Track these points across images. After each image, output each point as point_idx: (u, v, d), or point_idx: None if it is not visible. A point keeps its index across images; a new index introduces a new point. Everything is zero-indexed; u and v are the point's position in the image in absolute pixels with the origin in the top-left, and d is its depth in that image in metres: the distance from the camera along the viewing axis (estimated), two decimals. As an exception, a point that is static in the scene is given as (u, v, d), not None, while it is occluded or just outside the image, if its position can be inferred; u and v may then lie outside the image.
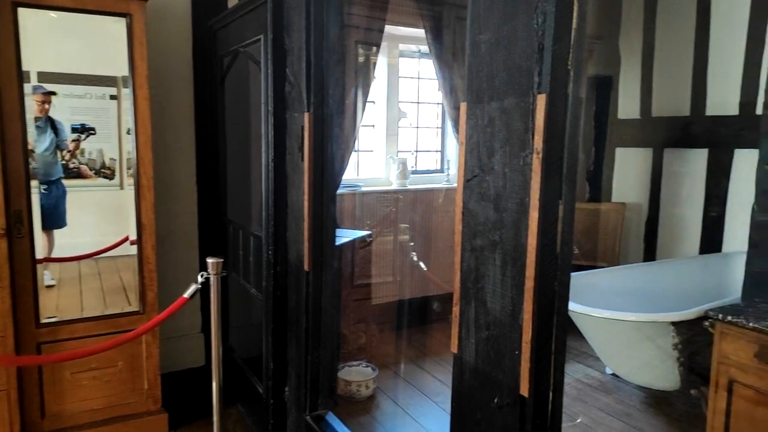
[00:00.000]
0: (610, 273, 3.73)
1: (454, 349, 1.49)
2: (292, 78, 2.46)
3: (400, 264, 4.35)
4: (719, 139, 4.28)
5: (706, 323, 2.32)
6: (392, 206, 4.27)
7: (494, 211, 1.32)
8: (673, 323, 2.78)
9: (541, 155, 1.18)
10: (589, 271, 3.64)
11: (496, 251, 1.32)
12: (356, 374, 3.33)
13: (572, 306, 3.00)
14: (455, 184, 4.88)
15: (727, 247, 4.27)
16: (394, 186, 4.44)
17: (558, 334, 1.24)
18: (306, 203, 2.38)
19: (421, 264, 4.33)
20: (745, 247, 4.16)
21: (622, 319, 2.84)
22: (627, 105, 4.96)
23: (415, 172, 4.74)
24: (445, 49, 4.27)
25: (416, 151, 4.85)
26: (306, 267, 2.44)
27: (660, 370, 2.99)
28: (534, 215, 1.19)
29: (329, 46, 2.38)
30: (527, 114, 1.21)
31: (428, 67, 4.72)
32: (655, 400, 3.30)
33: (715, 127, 4.30)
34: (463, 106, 1.42)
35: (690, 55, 4.43)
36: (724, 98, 4.24)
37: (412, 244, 4.29)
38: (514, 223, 1.26)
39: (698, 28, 4.37)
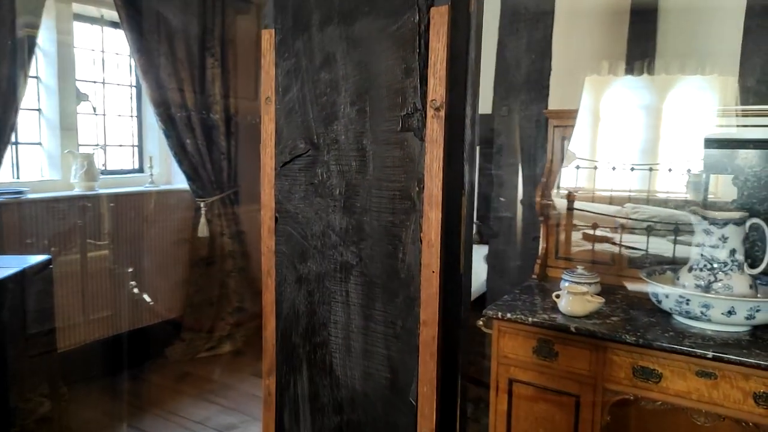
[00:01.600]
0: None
1: (270, 452, 0.89)
2: None
3: (97, 292, 3.31)
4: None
5: (480, 322, 2.20)
6: (78, 217, 3.19)
7: (344, 212, 0.77)
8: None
9: (443, 112, 0.69)
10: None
11: (352, 280, 0.78)
12: (39, 465, 2.28)
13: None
14: (164, 186, 4.02)
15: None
16: (78, 190, 3.34)
17: (463, 409, 0.78)
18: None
19: (139, 291, 3.39)
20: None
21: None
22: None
23: (105, 172, 3.70)
24: (142, 14, 3.39)
25: (105, 146, 3.80)
26: (-63, 328, 1.42)
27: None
28: (434, 215, 0.70)
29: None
30: (410, 43, 0.71)
31: (117, 37, 3.74)
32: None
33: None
34: (268, 36, 0.83)
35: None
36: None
37: (130, 270, 3.31)
38: (386, 231, 0.74)
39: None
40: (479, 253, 4.17)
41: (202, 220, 3.91)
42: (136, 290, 3.56)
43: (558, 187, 2.51)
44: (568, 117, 2.50)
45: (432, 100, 0.70)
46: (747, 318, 1.76)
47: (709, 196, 2.28)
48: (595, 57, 2.72)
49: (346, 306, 0.79)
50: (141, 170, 4.00)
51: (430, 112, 0.70)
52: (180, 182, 4.03)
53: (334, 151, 0.78)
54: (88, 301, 3.28)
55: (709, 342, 1.74)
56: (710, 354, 1.67)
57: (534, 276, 2.50)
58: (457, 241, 0.76)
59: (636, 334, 1.80)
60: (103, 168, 3.70)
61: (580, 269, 2.26)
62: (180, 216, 3.92)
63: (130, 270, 3.55)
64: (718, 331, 1.83)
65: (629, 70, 4.80)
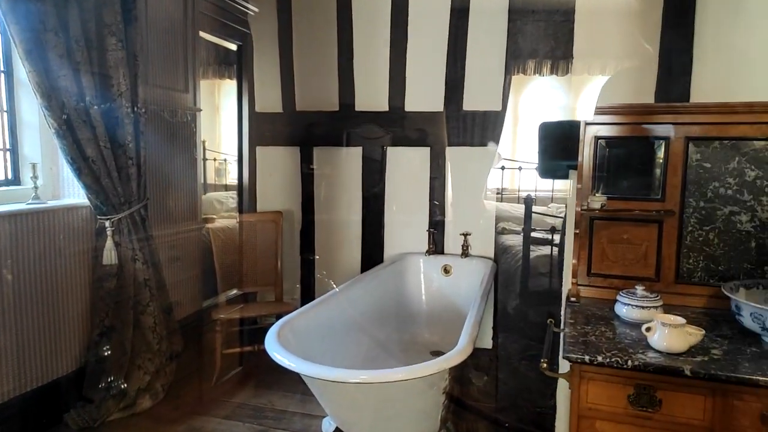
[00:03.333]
0: (320, 307, 2.89)
1: None
2: None
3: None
4: (372, 135, 4.02)
5: (544, 364, 1.78)
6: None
7: None
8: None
9: None
10: (294, 313, 2.70)
11: None
12: None
13: (314, 370, 2.04)
14: (54, 203, 3.08)
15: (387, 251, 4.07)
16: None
17: None
18: None
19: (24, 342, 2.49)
20: (406, 249, 4.05)
21: (393, 380, 2.04)
22: (266, 96, 4.20)
23: (-33, 185, 2.72)
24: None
25: (-34, 150, 2.80)
26: None
27: (425, 423, 2.36)
28: None
29: None
30: None
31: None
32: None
33: (366, 123, 4.02)
34: None
35: (334, 53, 4.00)
36: (373, 97, 3.98)
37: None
38: None
39: (341, 31, 3.97)
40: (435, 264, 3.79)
41: (109, 243, 3.06)
42: (18, 342, 2.65)
43: (595, 194, 2.16)
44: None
45: None
46: None
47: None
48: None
49: None
50: (17, 182, 3.03)
51: None
52: (72, 195, 3.14)
53: None
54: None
55: None
56: None
57: (573, 299, 2.14)
58: None
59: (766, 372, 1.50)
60: (-35, 180, 2.72)
61: (640, 290, 1.93)
62: (77, 240, 3.03)
63: (9, 318, 2.64)
64: (838, 359, 1.59)
65: (554, 69, 4.66)
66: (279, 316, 3.96)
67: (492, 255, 3.80)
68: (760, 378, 1.47)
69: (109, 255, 3.07)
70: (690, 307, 2.07)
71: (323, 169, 4.14)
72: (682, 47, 2.11)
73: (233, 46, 3.98)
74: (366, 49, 3.94)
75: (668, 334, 1.62)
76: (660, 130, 2.07)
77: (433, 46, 3.81)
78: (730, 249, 2.04)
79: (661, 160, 2.08)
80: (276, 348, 2.17)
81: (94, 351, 3.08)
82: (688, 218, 2.08)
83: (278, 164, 4.23)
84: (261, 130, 4.21)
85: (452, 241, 3.91)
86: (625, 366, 1.57)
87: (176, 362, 3.44)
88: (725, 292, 1.81)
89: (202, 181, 3.74)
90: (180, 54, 3.46)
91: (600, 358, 1.60)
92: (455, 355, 2.11)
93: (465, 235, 3.81)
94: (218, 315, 3.51)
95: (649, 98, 2.15)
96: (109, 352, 3.10)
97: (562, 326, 2.30)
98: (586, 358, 1.61)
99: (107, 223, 3.06)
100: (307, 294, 4.26)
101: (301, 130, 4.15)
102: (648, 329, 1.67)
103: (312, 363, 2.06)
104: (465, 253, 3.78)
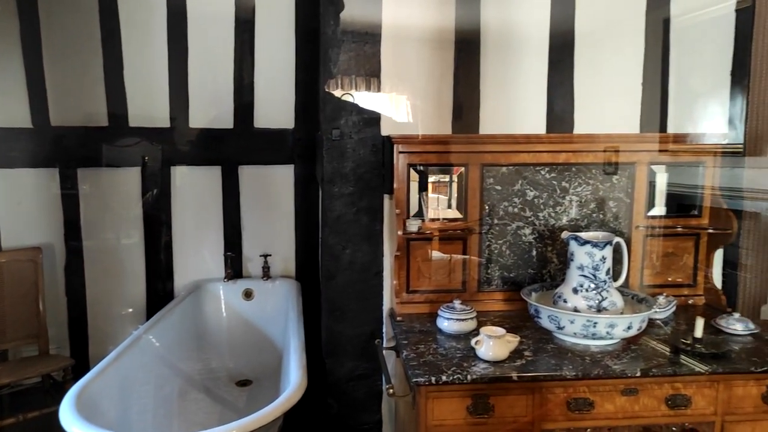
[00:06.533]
0: (119, 362, 2.45)
1: None
2: None
3: None
4: (152, 153, 3.62)
5: (390, 391, 1.84)
6: None
7: None
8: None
9: None
10: (88, 376, 2.24)
11: None
12: None
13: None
14: None
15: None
16: None
17: None
18: None
19: None
20: (200, 276, 3.73)
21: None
22: (7, 108, 3.45)
23: None
24: None
25: None
26: None
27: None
28: None
29: None
30: None
31: None
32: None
33: (144, 140, 3.60)
34: None
35: (99, 61, 3.49)
36: (151, 112, 3.59)
37: None
38: None
39: (106, 37, 3.48)
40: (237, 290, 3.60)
41: None
42: None
43: (410, 216, 2.31)
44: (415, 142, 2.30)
45: None
46: (638, 329, 1.95)
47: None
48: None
49: None
50: None
51: None
52: None
53: None
54: None
55: (624, 360, 1.86)
56: (638, 373, 1.78)
57: (399, 318, 2.25)
58: None
59: (569, 367, 1.79)
60: None
61: (457, 304, 2.13)
62: None
63: None
64: (612, 344, 1.98)
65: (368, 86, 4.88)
66: (47, 375, 3.32)
67: (294, 274, 3.77)
68: (567, 373, 1.76)
69: None
70: (491, 312, 2.36)
71: (91, 193, 3.58)
72: (472, 83, 2.38)
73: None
74: (139, 58, 3.52)
75: (493, 345, 1.82)
76: (461, 157, 2.30)
77: (219, 59, 3.61)
78: (518, 258, 2.39)
79: (462, 184, 2.32)
80: (82, 425, 1.80)
81: None
82: (486, 234, 2.36)
83: (29, 190, 3.52)
84: (2, 150, 3.45)
85: (251, 264, 3.77)
86: (465, 381, 1.72)
87: None
88: (524, 298, 2.11)
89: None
90: None
91: (444, 378, 1.72)
92: (292, 394, 2.03)
93: (265, 256, 3.70)
94: (-37, 386, 2.77)
95: (447, 128, 2.38)
96: None
97: (384, 343, 2.41)
98: (432, 379, 1.71)
99: None
100: (80, 340, 3.64)
101: (59, 149, 3.52)
102: (477, 342, 1.85)
103: (132, 434, 1.77)
104: (266, 275, 3.67)
